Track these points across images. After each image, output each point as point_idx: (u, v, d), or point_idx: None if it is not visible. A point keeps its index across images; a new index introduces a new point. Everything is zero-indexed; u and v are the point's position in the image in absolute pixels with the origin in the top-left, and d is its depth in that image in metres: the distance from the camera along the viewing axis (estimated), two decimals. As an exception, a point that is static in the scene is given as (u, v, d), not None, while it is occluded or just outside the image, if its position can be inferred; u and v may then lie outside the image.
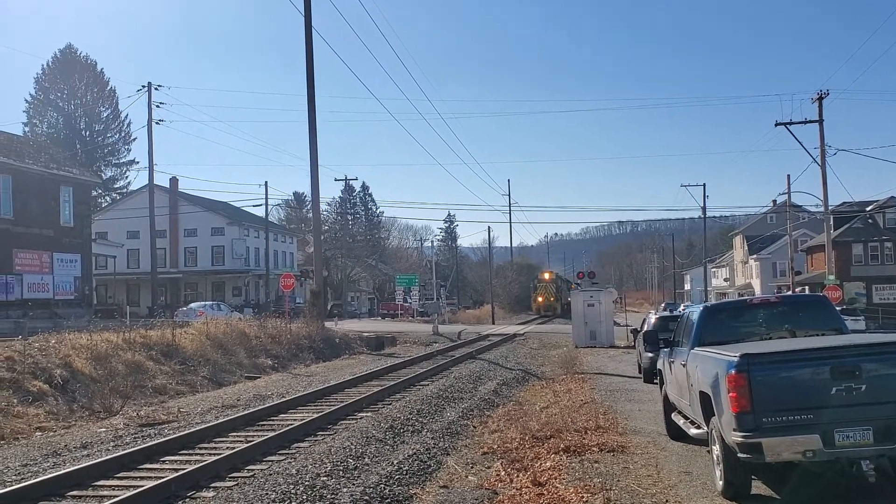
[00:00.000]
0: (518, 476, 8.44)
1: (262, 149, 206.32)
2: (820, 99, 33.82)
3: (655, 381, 13.28)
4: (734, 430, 6.67)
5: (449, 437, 11.39)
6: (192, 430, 11.60)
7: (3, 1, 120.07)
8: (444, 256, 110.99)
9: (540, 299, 73.38)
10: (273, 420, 12.88)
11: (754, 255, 79.55)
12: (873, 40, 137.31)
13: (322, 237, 44.44)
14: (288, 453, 9.99)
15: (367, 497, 7.75)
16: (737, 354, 6.81)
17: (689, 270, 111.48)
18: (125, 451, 9.99)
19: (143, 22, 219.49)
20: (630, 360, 23.51)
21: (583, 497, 7.36)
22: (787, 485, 7.46)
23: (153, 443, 10.55)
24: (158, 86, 47.83)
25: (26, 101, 73.11)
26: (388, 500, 7.80)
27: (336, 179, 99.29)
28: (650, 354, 16.50)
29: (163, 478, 8.37)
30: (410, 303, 57.10)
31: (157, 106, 47.11)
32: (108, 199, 74.99)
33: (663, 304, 63.09)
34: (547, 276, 76.90)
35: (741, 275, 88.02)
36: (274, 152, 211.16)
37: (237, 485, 8.26)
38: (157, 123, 47.20)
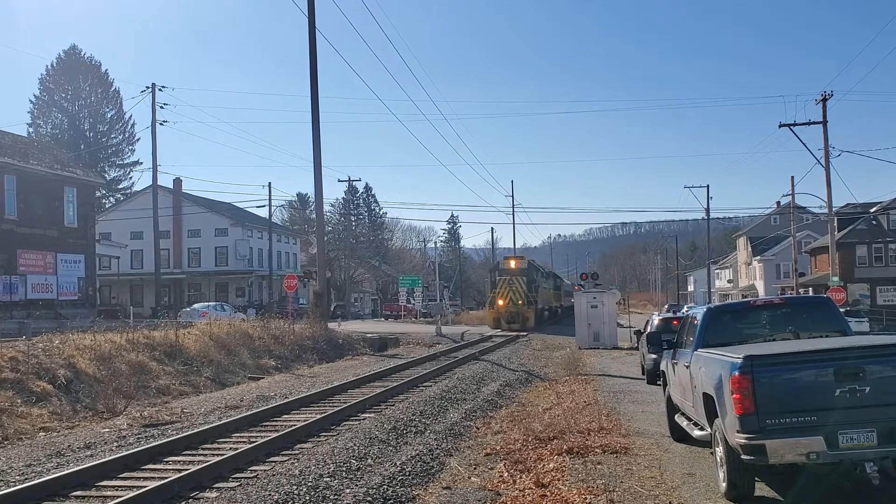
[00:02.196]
0: (521, 477, 8.44)
1: (266, 150, 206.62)
2: (824, 100, 33.79)
3: (659, 382, 13.27)
4: (738, 431, 6.66)
5: (452, 438, 11.39)
6: (196, 430, 11.61)
7: (7, 2, 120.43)
8: (448, 257, 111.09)
9: (500, 302, 45.04)
10: (276, 421, 12.89)
11: (758, 257, 79.49)
12: (878, 41, 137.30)
13: (325, 238, 44.48)
14: (291, 454, 9.99)
15: (369, 498, 7.75)
16: (740, 356, 6.80)
17: (693, 272, 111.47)
18: (129, 452, 10.00)
19: (147, 23, 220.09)
20: (633, 361, 23.49)
21: (586, 499, 7.35)
22: (791, 487, 7.45)
23: (156, 443, 10.56)
24: (162, 87, 48.03)
25: (31, 101, 73.51)
26: (391, 500, 7.80)
27: (339, 180, 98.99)
28: (653, 356, 16.50)
29: (166, 478, 8.38)
30: (413, 304, 57.10)
31: (161, 107, 47.32)
32: (111, 199, 75.19)
33: (667, 306, 63.10)
34: (513, 263, 46.95)
35: (745, 276, 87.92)
36: (277, 153, 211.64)
37: (240, 485, 8.26)
38: (160, 124, 47.38)
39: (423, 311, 57.13)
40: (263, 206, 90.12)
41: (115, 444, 11.20)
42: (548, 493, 7.60)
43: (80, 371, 16.49)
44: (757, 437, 6.51)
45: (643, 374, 19.31)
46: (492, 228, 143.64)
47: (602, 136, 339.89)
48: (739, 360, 6.73)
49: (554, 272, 67.91)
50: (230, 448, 10.39)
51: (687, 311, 15.82)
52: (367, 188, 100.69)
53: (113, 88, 75.21)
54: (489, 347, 29.94)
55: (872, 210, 55.07)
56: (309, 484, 8.09)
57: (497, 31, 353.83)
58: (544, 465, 8.90)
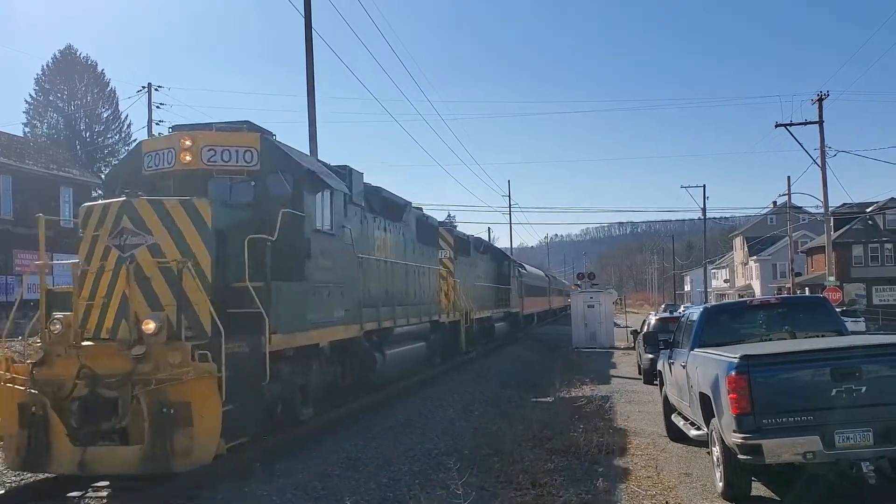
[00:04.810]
0: (518, 478, 8.43)
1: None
2: (820, 100, 33.81)
3: (655, 382, 13.29)
4: (734, 431, 6.67)
5: (449, 438, 11.37)
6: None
7: (4, 2, 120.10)
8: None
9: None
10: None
11: (754, 257, 79.58)
12: (874, 40, 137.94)
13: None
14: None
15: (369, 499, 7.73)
16: (737, 356, 6.82)
17: (689, 272, 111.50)
18: (126, 452, 9.94)
19: (143, 23, 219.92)
20: (630, 361, 23.51)
21: (583, 498, 7.35)
22: (787, 486, 7.47)
23: (154, 444, 10.50)
24: (158, 86, 47.66)
25: (26, 101, 72.87)
26: (391, 502, 7.78)
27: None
28: (650, 356, 16.51)
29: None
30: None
31: (158, 107, 46.97)
32: (108, 200, 74.93)
33: (664, 306, 63.05)
34: (163, 145, 9.51)
35: (741, 276, 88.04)
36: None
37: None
38: (157, 124, 46.97)
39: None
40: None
41: (113, 444, 11.15)
42: (544, 493, 7.60)
43: (76, 372, 16.43)
44: (753, 436, 6.53)
45: (640, 373, 19.33)
46: (489, 228, 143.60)
47: (599, 135, 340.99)
48: (736, 360, 6.74)
49: (493, 244, 37.31)
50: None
51: (683, 311, 15.84)
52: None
53: (109, 88, 74.75)
54: (487, 347, 29.27)
55: (869, 210, 55.15)
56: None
57: (495, 31, 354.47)
58: (542, 466, 8.90)
